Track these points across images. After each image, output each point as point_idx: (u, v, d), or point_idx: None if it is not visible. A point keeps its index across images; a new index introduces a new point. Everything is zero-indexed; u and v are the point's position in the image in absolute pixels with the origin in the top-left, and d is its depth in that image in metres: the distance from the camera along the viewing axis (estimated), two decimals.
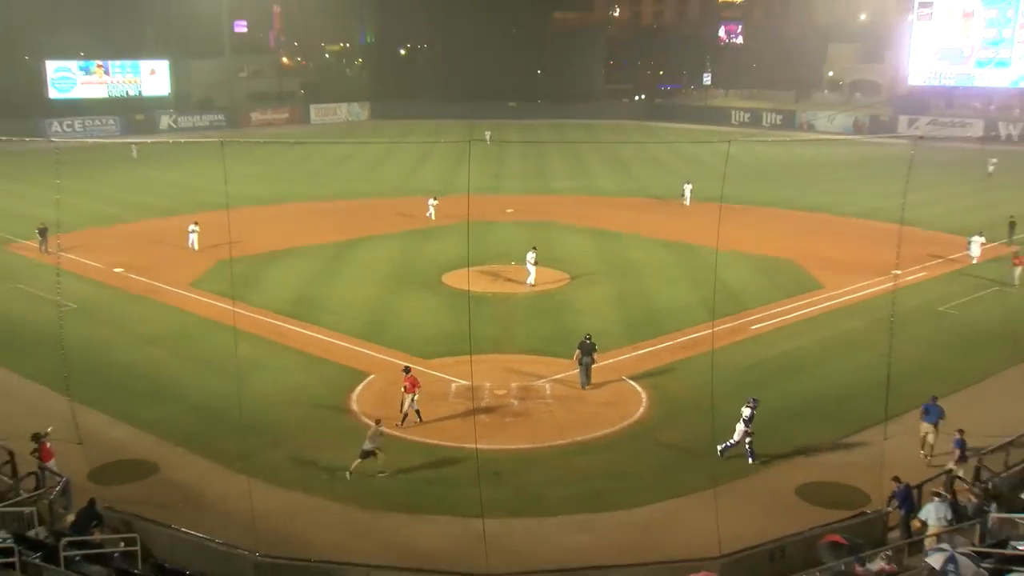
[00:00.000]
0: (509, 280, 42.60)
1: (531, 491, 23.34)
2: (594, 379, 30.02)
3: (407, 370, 27.19)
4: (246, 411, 25.17)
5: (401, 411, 26.49)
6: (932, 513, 19.77)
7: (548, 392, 29.59)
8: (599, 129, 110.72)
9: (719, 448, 24.76)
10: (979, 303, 39.28)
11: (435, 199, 57.51)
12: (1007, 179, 69.54)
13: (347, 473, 23.36)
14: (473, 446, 23.84)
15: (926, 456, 24.74)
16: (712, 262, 42.47)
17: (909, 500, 20.77)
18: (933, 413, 25.26)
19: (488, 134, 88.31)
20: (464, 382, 29.30)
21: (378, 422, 24.05)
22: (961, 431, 23.70)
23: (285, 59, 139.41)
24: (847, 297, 40.36)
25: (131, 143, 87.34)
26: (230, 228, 42.17)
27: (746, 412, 24.86)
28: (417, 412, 26.74)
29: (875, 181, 71.10)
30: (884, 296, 38.64)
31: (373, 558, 19.49)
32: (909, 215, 50.52)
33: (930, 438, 24.92)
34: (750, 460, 24.55)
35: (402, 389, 26.76)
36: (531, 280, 41.48)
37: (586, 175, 77.20)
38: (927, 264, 45.39)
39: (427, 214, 56.86)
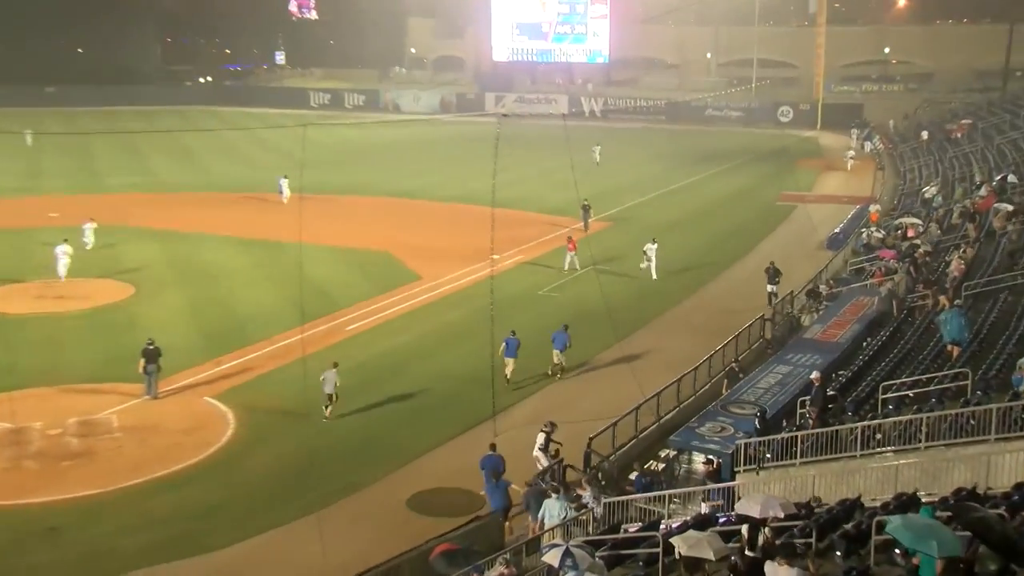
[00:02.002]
0: (60, 298, 39.30)
1: (100, 546, 21.64)
2: (172, 405, 28.77)
3: None
4: None
5: None
6: (548, 511, 21.12)
7: (115, 424, 27.78)
8: (159, 116, 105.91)
9: (528, 483, 23.30)
10: (579, 284, 43.08)
11: None
12: (608, 163, 77.28)
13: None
14: (16, 503, 21.65)
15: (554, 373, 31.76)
16: (300, 259, 42.46)
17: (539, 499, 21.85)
18: (560, 341, 31.99)
19: (28, 135, 79.12)
20: (5, 424, 26.75)
21: (335, 365, 28.55)
22: (550, 424, 25.46)
23: None
24: (447, 287, 42.32)
25: None
26: None
27: (540, 439, 24.86)
28: None
29: (466, 162, 75.34)
30: (484, 283, 41.11)
31: None
32: (503, 196, 54.36)
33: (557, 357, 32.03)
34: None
35: None
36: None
37: (146, 169, 73.96)
38: (524, 246, 49.23)
39: None
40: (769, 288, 39.85)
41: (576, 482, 23.58)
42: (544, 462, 24.75)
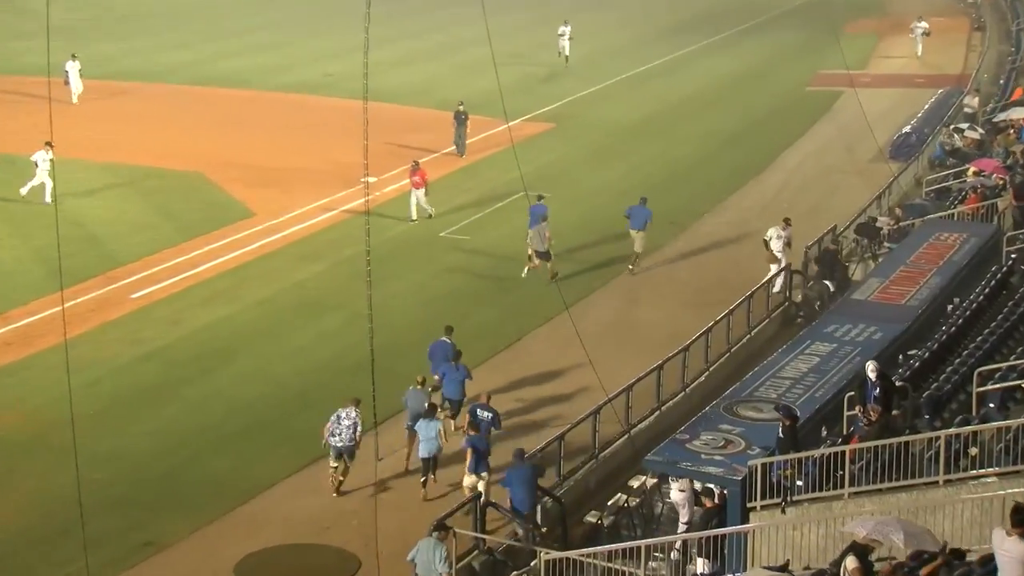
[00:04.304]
0: None
1: None
2: None
3: None
4: None
5: None
6: (419, 552, 21.48)
7: None
8: None
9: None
10: (503, 221, 42.90)
11: None
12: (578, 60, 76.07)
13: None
14: None
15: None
16: (56, 187, 41.39)
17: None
18: (640, 217, 37.98)
19: None
20: None
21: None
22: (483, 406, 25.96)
23: None
24: (294, 229, 42.00)
25: None
26: None
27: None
28: None
29: (323, 29, 75.60)
30: (356, 220, 40.44)
31: None
32: (384, 84, 53.39)
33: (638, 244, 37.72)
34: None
35: None
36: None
37: None
38: (416, 161, 48.78)
39: None
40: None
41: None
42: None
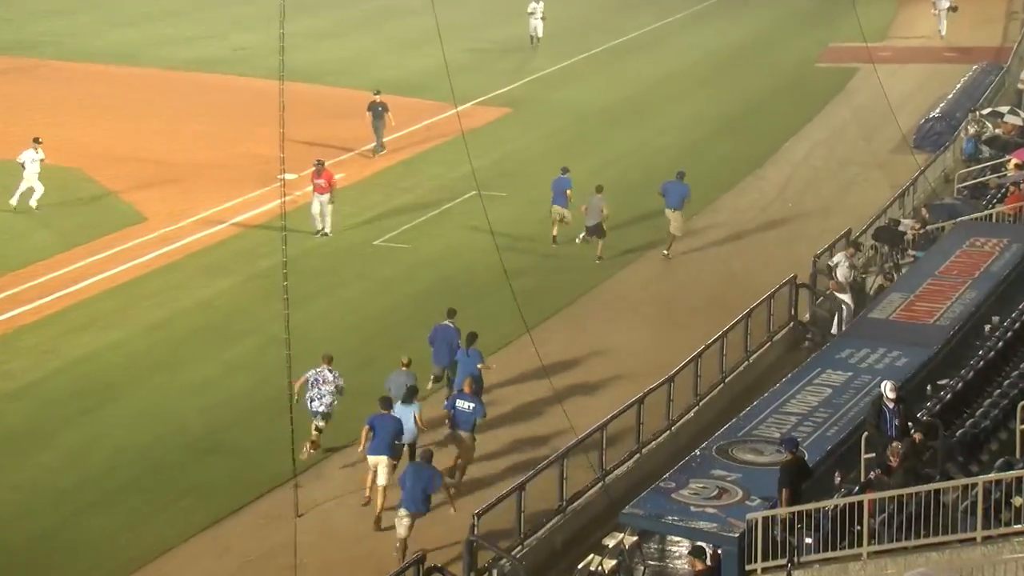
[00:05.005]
0: None
1: None
2: None
3: None
4: None
5: None
6: None
7: None
8: None
9: None
10: (450, 228, 42.97)
11: None
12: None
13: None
14: None
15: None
16: None
17: None
18: (676, 194, 40.50)
19: None
20: None
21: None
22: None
23: None
24: (197, 235, 41.90)
25: None
26: None
27: None
28: None
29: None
30: (271, 225, 40.32)
31: None
32: (305, 62, 53.23)
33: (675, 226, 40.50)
34: None
35: None
36: None
37: None
38: (344, 156, 48.84)
39: None
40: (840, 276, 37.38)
41: None
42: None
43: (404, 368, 29.30)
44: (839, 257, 36.74)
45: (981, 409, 26.89)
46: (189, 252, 41.03)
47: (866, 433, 25.89)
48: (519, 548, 25.49)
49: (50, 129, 51.95)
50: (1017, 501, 21.07)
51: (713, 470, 25.78)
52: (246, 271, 38.97)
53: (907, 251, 38.53)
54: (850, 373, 29.77)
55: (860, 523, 21.92)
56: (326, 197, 42.14)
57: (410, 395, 27.91)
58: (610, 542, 26.00)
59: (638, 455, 28.93)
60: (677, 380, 30.48)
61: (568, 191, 41.22)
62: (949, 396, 28.03)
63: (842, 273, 36.30)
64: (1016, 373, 28.20)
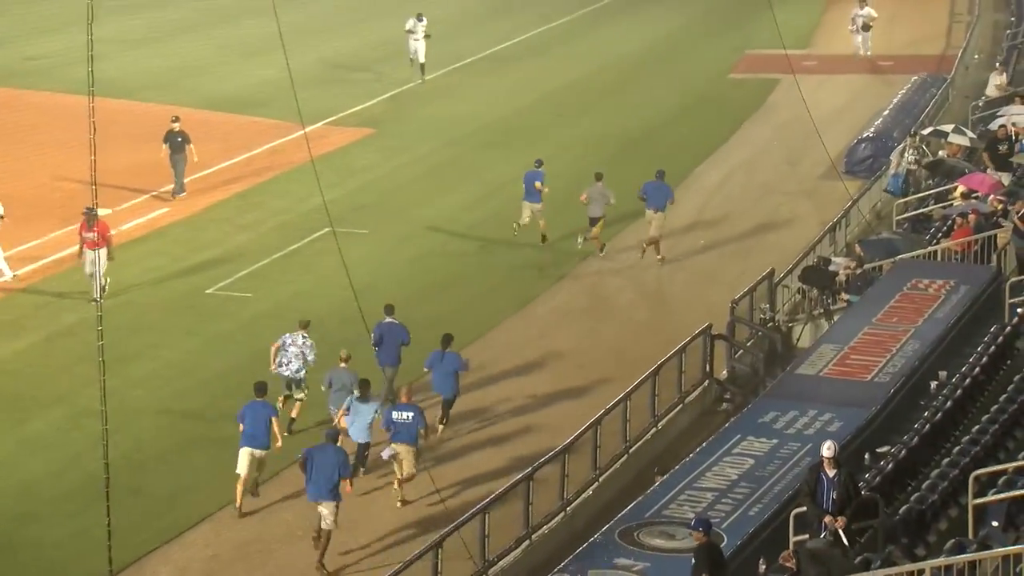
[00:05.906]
0: None
1: None
2: None
3: None
4: None
5: None
6: None
7: None
8: None
9: None
10: (293, 266, 43.31)
11: None
12: None
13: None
14: None
15: None
16: None
17: None
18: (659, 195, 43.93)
19: None
20: None
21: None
22: None
23: None
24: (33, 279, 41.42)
25: None
26: None
27: None
28: None
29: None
30: (75, 274, 40.03)
31: None
32: (115, 73, 52.84)
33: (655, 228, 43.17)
34: None
35: None
36: None
37: None
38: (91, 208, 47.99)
39: None
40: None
41: None
42: None
43: (343, 365, 32.03)
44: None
45: (928, 481, 27.12)
46: (28, 292, 40.95)
47: (797, 507, 26.10)
48: None
49: None
50: None
51: (616, 558, 25.87)
52: (47, 328, 38.87)
53: (839, 295, 38.75)
54: (775, 440, 29.98)
55: None
56: (103, 253, 39.86)
57: (365, 388, 30.64)
58: None
59: (527, 542, 28.88)
60: (571, 451, 30.53)
61: (538, 184, 44.27)
62: (890, 466, 28.28)
63: None
64: (967, 439, 28.41)
